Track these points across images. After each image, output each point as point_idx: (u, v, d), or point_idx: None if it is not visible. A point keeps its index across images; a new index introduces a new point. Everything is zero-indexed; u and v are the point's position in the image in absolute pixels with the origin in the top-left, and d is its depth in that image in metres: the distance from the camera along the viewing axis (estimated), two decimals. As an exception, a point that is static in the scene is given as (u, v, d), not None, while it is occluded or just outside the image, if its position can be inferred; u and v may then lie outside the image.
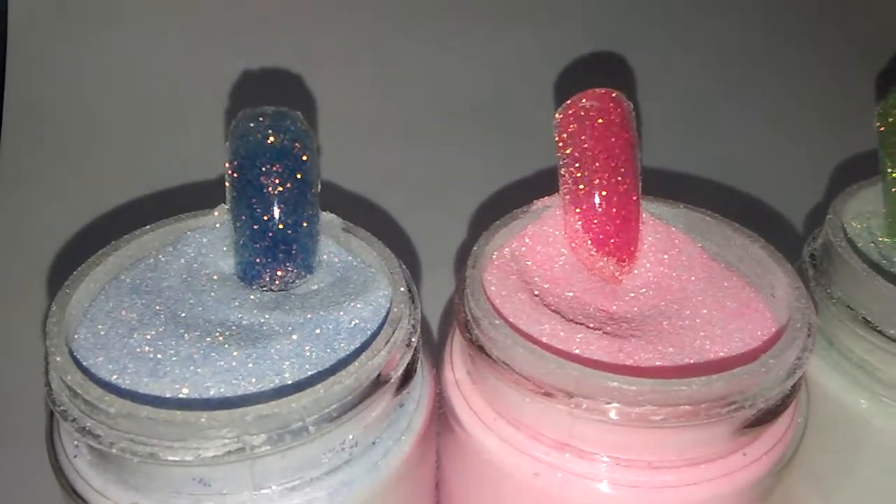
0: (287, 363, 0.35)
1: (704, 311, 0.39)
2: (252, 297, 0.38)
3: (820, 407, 0.40)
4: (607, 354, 0.36)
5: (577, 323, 0.37)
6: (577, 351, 0.36)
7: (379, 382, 0.34)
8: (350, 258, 0.41)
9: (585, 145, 0.41)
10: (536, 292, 0.40)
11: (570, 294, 0.40)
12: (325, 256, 0.41)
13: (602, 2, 0.72)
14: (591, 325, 0.38)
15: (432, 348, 0.42)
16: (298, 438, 0.31)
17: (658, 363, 0.36)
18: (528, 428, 0.35)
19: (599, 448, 0.34)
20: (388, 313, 0.36)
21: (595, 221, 0.41)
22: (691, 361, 0.36)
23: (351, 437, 0.34)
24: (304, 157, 0.39)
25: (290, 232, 0.39)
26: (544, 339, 0.36)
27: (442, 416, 0.40)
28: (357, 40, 0.68)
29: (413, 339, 0.36)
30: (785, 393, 0.34)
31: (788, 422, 0.37)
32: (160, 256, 0.40)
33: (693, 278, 0.41)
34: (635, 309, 0.40)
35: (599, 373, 0.32)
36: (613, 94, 0.41)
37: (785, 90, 0.72)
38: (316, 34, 0.67)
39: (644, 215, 0.42)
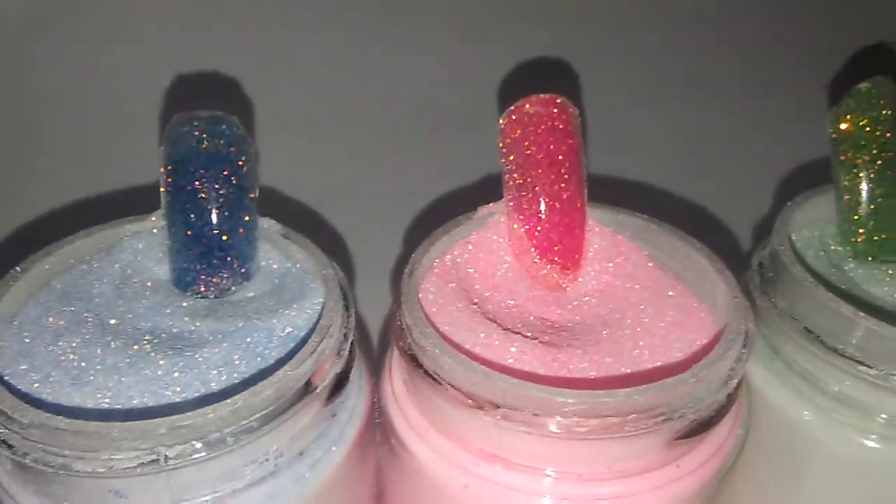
0: (215, 372, 0.34)
1: (646, 320, 0.38)
2: (185, 304, 0.38)
3: (764, 417, 0.40)
4: (541, 364, 0.35)
5: (513, 332, 0.37)
6: (510, 361, 0.35)
7: (305, 392, 0.33)
8: (289, 265, 0.40)
9: (528, 151, 0.40)
10: (476, 300, 0.39)
11: (512, 302, 0.39)
12: (263, 263, 0.40)
13: (547, 7, 0.71)
14: (529, 335, 0.37)
15: (373, 357, 0.41)
16: (216, 450, 0.30)
17: (593, 374, 0.35)
18: (459, 439, 0.35)
19: (528, 460, 0.33)
20: (318, 321, 0.36)
21: (538, 229, 0.40)
22: (628, 371, 0.35)
23: (276, 447, 0.33)
24: (240, 162, 0.38)
25: (225, 238, 0.38)
26: (478, 349, 0.36)
27: (380, 425, 0.39)
28: (295, 45, 0.68)
29: (344, 348, 0.35)
30: (719, 404, 0.34)
31: (727, 433, 0.36)
32: (94, 262, 0.39)
33: (637, 287, 0.40)
34: (577, 318, 0.39)
35: (525, 383, 0.31)
36: (558, 100, 0.41)
37: (736, 96, 0.71)
38: (253, 38, 0.66)
39: (590, 222, 0.41)
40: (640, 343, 0.37)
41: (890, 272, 0.41)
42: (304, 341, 0.35)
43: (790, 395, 0.39)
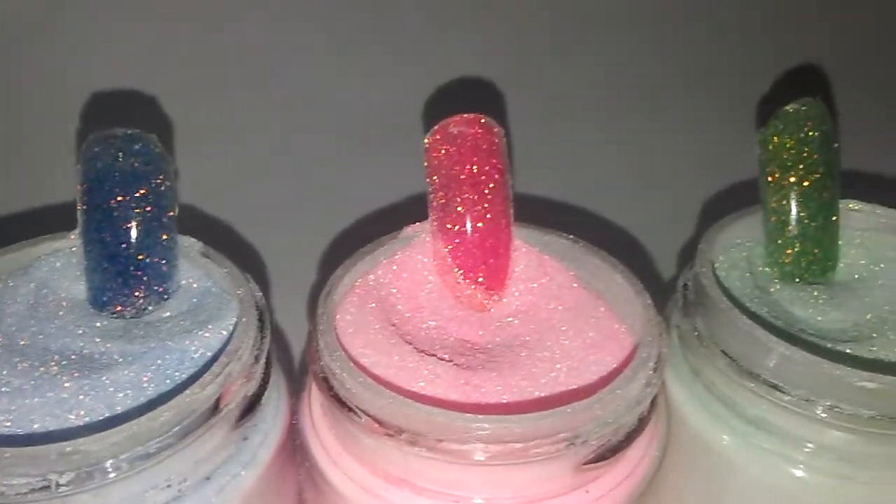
0: (122, 395, 0.34)
1: (565, 341, 0.38)
2: (99, 324, 0.37)
3: (685, 439, 0.39)
4: (453, 388, 0.35)
5: (429, 354, 0.36)
6: (421, 384, 0.35)
7: (211, 416, 0.33)
8: (209, 284, 0.40)
9: (453, 171, 0.40)
10: (395, 321, 0.39)
11: (433, 323, 0.39)
12: (183, 282, 0.40)
13: (472, 26, 0.72)
14: (445, 357, 0.37)
15: (294, 378, 0.40)
16: (111, 477, 0.30)
17: (505, 397, 0.35)
18: (369, 463, 0.34)
19: (436, 485, 0.33)
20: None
21: (462, 249, 0.40)
22: (542, 395, 0.35)
23: (179, 472, 0.32)
24: (158, 180, 0.38)
25: (141, 257, 0.38)
26: (391, 372, 0.35)
27: (298, 447, 0.39)
28: (215, 62, 0.67)
29: (255, 371, 0.35)
30: (629, 428, 0.34)
31: (640, 456, 0.36)
32: (9, 281, 0.39)
33: (560, 308, 0.40)
34: (498, 339, 0.39)
35: (428, 408, 0.31)
36: (482, 120, 0.41)
37: (664, 115, 0.71)
38: (170, 55, 0.65)
39: (516, 242, 0.41)
40: (558, 366, 0.36)
41: (815, 294, 0.41)
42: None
43: (709, 418, 0.39)
